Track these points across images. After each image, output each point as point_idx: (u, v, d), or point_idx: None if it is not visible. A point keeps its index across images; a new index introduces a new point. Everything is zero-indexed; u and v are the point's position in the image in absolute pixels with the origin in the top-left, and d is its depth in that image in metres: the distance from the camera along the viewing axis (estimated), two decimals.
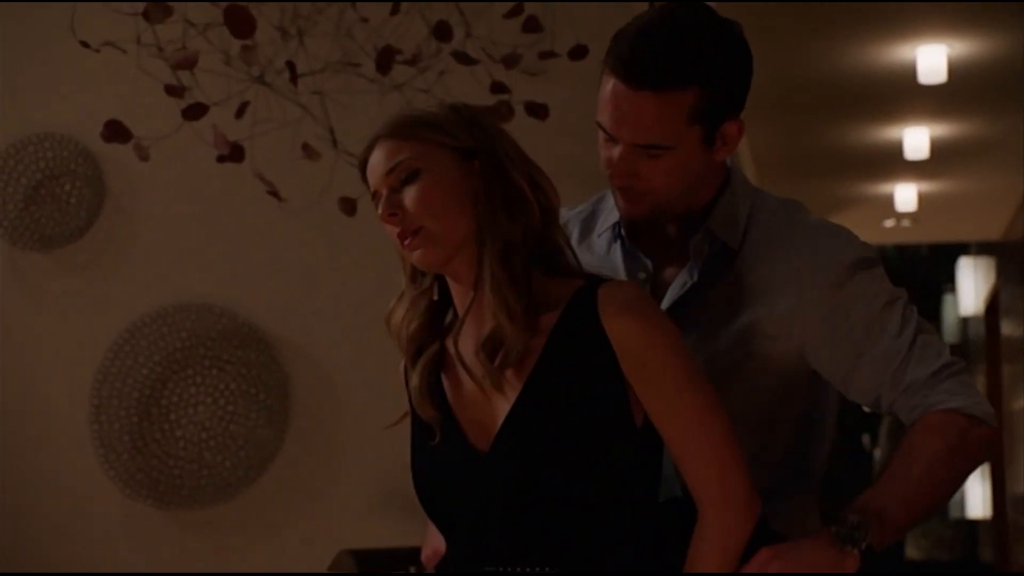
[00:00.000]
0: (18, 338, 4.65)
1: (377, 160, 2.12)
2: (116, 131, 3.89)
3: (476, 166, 2.09)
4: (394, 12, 3.90)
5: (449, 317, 2.20)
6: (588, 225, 2.46)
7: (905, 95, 7.10)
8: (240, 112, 4.02)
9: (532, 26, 3.99)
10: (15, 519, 4.61)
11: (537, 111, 4.00)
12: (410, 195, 2.08)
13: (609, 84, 2.21)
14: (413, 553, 4.03)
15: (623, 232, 2.37)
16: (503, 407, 2.09)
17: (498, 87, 4.02)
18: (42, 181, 4.64)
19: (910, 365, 2.23)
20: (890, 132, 7.83)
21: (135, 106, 4.52)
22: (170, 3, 3.80)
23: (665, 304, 2.30)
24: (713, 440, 2.07)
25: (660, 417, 2.08)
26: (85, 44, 3.90)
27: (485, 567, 2.10)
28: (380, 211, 2.11)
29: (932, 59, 6.64)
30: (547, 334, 2.08)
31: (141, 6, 3.84)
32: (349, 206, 4.03)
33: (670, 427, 2.07)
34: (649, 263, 2.35)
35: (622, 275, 2.35)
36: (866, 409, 2.37)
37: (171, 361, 4.56)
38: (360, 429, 4.54)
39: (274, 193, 4.01)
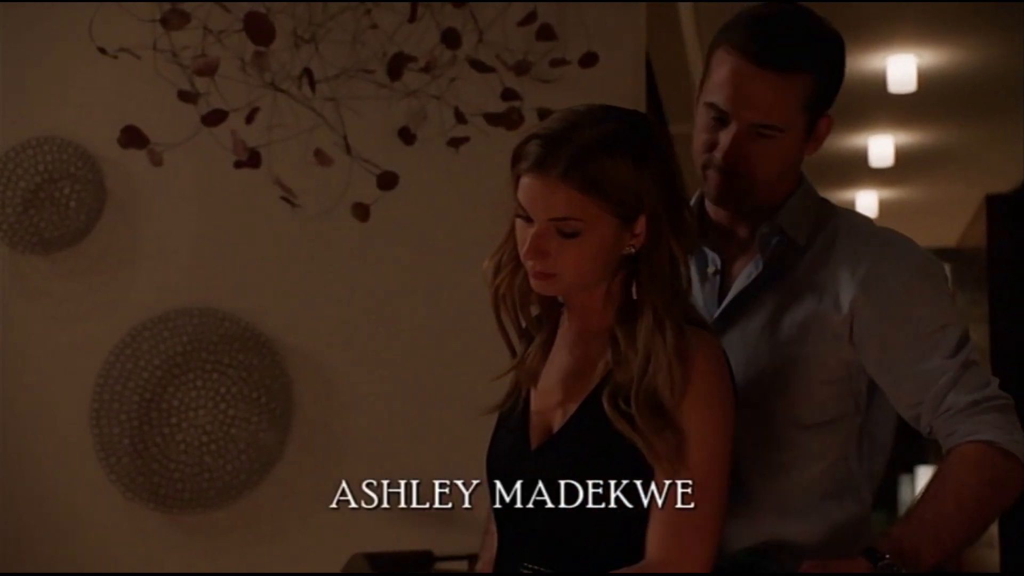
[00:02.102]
0: (18, 341, 4.64)
1: (543, 193, 2.07)
2: (133, 137, 3.91)
3: (638, 225, 2.10)
4: (412, 19, 3.94)
5: None
6: None
7: (873, 103, 7.20)
8: (250, 117, 4.05)
9: (546, 34, 4.04)
10: (16, 522, 4.60)
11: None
12: (563, 250, 2.09)
13: (727, 65, 2.28)
14: (425, 556, 4.07)
15: None
16: (567, 411, 2.17)
17: (509, 94, 4.07)
18: (41, 184, 4.63)
19: (953, 389, 2.26)
20: (856, 140, 7.94)
21: (138, 110, 4.52)
22: (187, 4, 3.83)
23: (730, 296, 2.38)
24: (688, 518, 2.08)
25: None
26: (103, 50, 3.91)
27: (521, 564, 2.18)
28: (526, 246, 2.10)
29: (902, 68, 6.74)
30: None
31: (158, 12, 3.86)
32: (363, 212, 4.06)
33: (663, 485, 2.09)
34: (717, 258, 2.42)
35: (693, 273, 2.39)
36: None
37: (172, 365, 4.56)
38: (364, 434, 4.56)
39: (288, 199, 4.03)
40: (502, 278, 2.21)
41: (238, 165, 3.91)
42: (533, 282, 2.14)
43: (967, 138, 7.79)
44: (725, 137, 2.30)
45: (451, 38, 4.09)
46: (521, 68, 4.09)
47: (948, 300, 2.34)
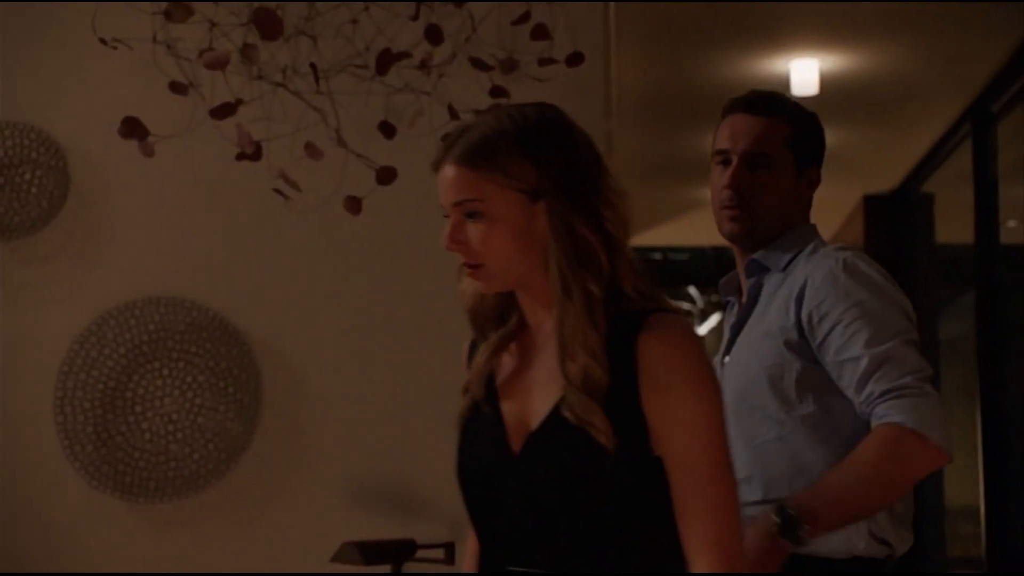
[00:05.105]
0: None
1: (445, 182, 2.15)
2: (133, 128, 3.90)
3: (542, 208, 2.13)
4: (415, 17, 3.99)
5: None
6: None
7: None
8: (233, 109, 4.06)
9: (540, 33, 4.12)
10: None
11: None
12: (474, 233, 2.14)
13: (727, 120, 2.95)
14: (409, 544, 4.14)
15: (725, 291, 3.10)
16: (542, 411, 2.16)
17: (498, 91, 4.14)
18: (0, 170, 4.58)
19: (873, 379, 2.66)
20: None
21: (112, 99, 4.51)
22: (192, 4, 3.83)
23: (728, 332, 2.99)
24: (716, 500, 2.09)
25: (669, 455, 2.10)
26: (103, 41, 3.90)
27: (507, 567, 2.16)
28: (445, 236, 2.16)
29: (804, 72, 6.95)
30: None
31: (159, 4, 3.86)
32: (355, 205, 4.09)
33: (677, 469, 2.09)
34: (736, 304, 3.03)
35: (725, 328, 3.02)
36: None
37: (137, 353, 4.55)
38: (332, 425, 4.60)
39: (280, 191, 4.05)
40: (461, 284, 2.27)
41: (240, 157, 3.92)
42: (473, 280, 2.19)
43: (855, 140, 8.05)
44: (728, 171, 2.91)
45: (434, 34, 4.15)
46: (508, 66, 4.16)
47: (871, 299, 2.73)
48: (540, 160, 2.13)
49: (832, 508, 2.63)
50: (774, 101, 2.96)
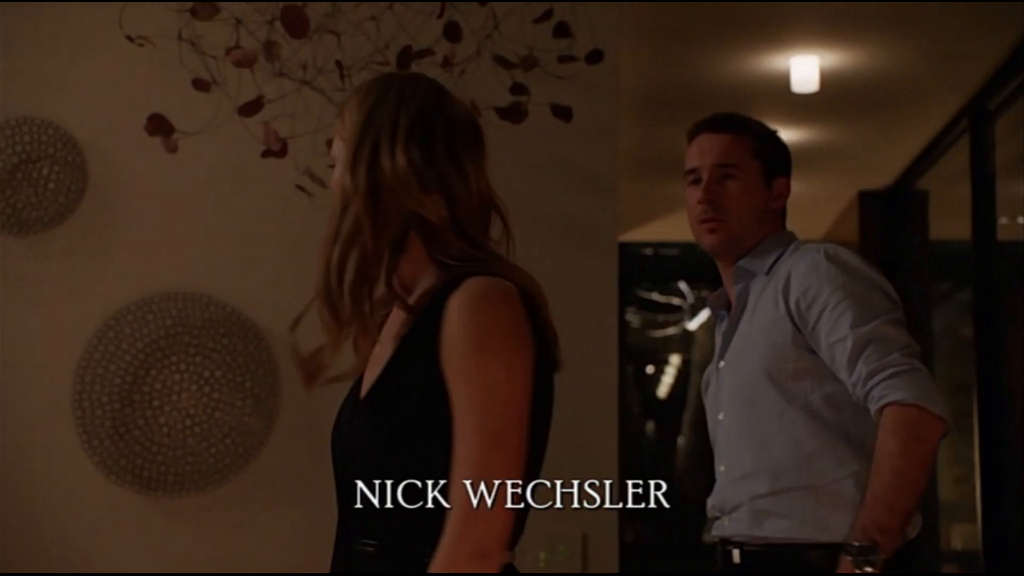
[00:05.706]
0: None
1: None
2: (159, 125, 3.92)
3: None
4: (440, 15, 4.02)
5: None
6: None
7: (775, 102, 7.41)
8: (260, 106, 4.08)
9: (562, 31, 4.15)
10: None
11: (562, 113, 4.16)
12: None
13: (694, 142, 3.18)
14: None
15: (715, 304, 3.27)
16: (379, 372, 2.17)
17: (518, 88, 4.17)
18: (18, 165, 4.59)
19: (861, 359, 2.78)
20: None
21: (127, 95, 4.53)
22: (217, 2, 3.85)
23: (719, 339, 3.15)
24: (477, 476, 1.97)
25: (455, 422, 2.03)
26: (130, 38, 3.92)
27: (356, 538, 2.13)
28: None
29: (804, 69, 6.98)
30: (420, 311, 2.13)
31: (185, 3, 3.88)
32: None
33: (455, 438, 2.02)
34: (726, 315, 3.14)
35: (717, 336, 3.18)
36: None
37: (154, 348, 4.57)
38: None
39: (303, 188, 4.08)
40: None
41: (266, 155, 3.95)
42: None
43: (851, 137, 8.08)
44: (701, 187, 3.12)
45: (453, 32, 4.17)
46: (528, 63, 4.19)
47: (854, 282, 2.87)
48: (362, 113, 2.17)
49: (892, 513, 2.73)
50: (736, 119, 3.20)
